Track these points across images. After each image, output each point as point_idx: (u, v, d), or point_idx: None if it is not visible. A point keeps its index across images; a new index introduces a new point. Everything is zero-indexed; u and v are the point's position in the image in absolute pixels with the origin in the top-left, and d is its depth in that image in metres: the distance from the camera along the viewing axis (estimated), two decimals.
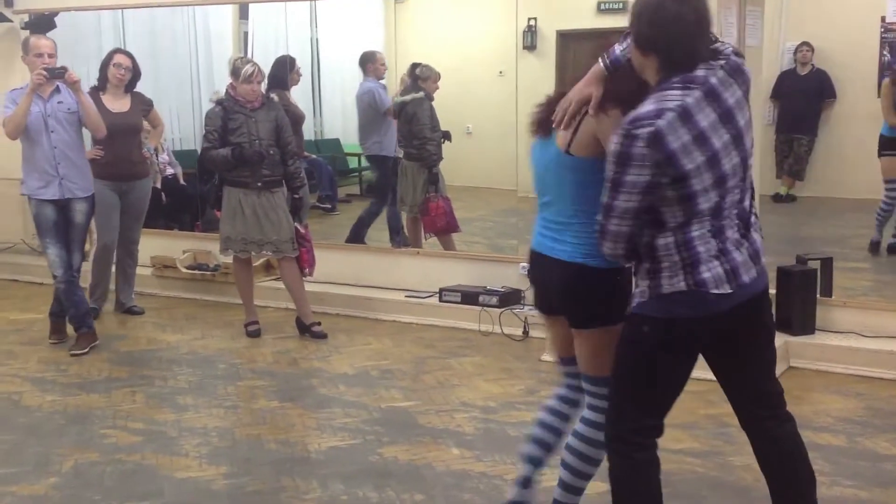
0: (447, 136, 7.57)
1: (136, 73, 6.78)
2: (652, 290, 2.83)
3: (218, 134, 6.06)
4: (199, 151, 8.19)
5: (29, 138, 5.87)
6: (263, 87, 6.36)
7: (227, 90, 6.14)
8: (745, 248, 2.83)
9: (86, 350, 5.99)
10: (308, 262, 6.35)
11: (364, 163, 10.68)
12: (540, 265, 3.16)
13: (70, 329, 6.23)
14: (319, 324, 6.39)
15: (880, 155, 7.59)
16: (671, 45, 2.74)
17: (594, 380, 3.14)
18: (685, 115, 2.70)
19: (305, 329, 6.36)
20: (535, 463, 3.35)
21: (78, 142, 5.99)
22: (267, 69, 7.76)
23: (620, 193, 2.75)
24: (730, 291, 2.78)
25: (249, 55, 8.53)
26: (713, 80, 2.74)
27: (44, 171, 5.86)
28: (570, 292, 3.08)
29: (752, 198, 2.91)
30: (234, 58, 6.43)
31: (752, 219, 2.89)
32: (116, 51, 6.89)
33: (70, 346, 6.06)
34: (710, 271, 2.77)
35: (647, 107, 2.72)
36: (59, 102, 5.88)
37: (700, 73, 2.75)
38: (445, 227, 7.40)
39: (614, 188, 2.75)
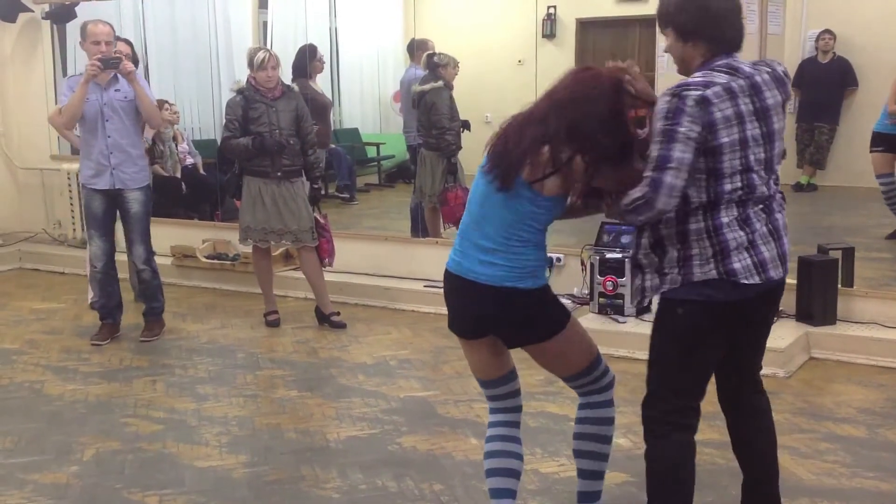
0: (466, 125, 7.55)
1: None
2: (684, 277, 2.93)
3: (238, 123, 6.06)
4: (218, 141, 8.23)
5: (85, 127, 5.88)
6: (287, 76, 6.33)
7: (248, 80, 6.15)
8: (774, 247, 2.95)
9: (106, 341, 6.05)
10: (328, 252, 6.36)
11: (384, 152, 10.71)
12: (465, 292, 3.10)
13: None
14: (338, 313, 6.40)
15: (871, 150, 7.61)
16: (713, 27, 2.91)
17: (575, 376, 3.26)
18: (730, 93, 2.84)
19: (324, 319, 6.37)
20: (514, 495, 3.28)
21: (134, 132, 5.94)
22: (287, 59, 7.77)
23: (676, 143, 2.79)
24: (759, 282, 2.91)
25: (268, 45, 8.53)
26: (758, 78, 2.91)
27: (97, 160, 5.87)
28: (519, 316, 3.07)
29: (781, 202, 3.04)
30: (250, 48, 6.43)
31: (781, 221, 2.99)
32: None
33: (91, 336, 6.11)
34: (741, 262, 2.89)
35: (696, 78, 2.86)
36: (116, 91, 5.84)
37: (746, 68, 2.92)
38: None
39: (668, 139, 2.79)
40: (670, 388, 3.01)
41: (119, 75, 5.81)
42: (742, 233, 2.89)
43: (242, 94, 6.12)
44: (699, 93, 2.80)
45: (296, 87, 6.40)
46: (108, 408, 4.91)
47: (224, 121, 6.22)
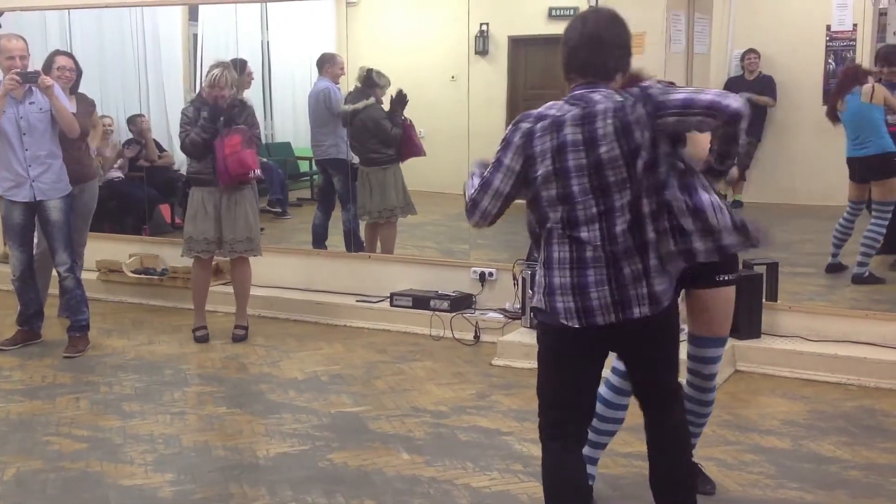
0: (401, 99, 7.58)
1: (79, 74, 6.67)
2: (535, 298, 3.03)
3: (192, 125, 6.06)
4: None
5: (3, 140, 5.84)
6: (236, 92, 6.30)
7: (199, 92, 6.20)
8: (611, 291, 2.87)
9: (16, 345, 6.09)
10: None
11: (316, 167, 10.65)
12: None
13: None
14: (245, 329, 6.35)
15: (885, 177, 6.67)
16: (565, 59, 2.97)
17: None
18: (556, 125, 2.87)
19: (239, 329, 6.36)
20: None
21: (52, 142, 5.91)
22: None
23: (498, 173, 2.93)
24: (578, 326, 2.92)
25: (199, 58, 8.45)
26: (600, 107, 2.85)
27: (16, 172, 5.85)
28: None
29: (660, 232, 2.89)
30: (212, 63, 6.35)
31: (652, 261, 2.88)
32: (56, 53, 6.65)
33: (2, 340, 6.11)
34: (563, 303, 2.91)
35: (540, 108, 2.94)
36: (30, 103, 5.82)
37: (597, 96, 2.88)
38: (415, 151, 7.51)
39: (495, 167, 2.94)
40: (542, 399, 3.11)
41: (34, 88, 5.79)
42: (569, 276, 2.88)
43: (193, 104, 6.17)
44: (528, 126, 2.90)
45: (249, 101, 6.41)
46: (30, 426, 4.78)
47: (180, 128, 6.19)
